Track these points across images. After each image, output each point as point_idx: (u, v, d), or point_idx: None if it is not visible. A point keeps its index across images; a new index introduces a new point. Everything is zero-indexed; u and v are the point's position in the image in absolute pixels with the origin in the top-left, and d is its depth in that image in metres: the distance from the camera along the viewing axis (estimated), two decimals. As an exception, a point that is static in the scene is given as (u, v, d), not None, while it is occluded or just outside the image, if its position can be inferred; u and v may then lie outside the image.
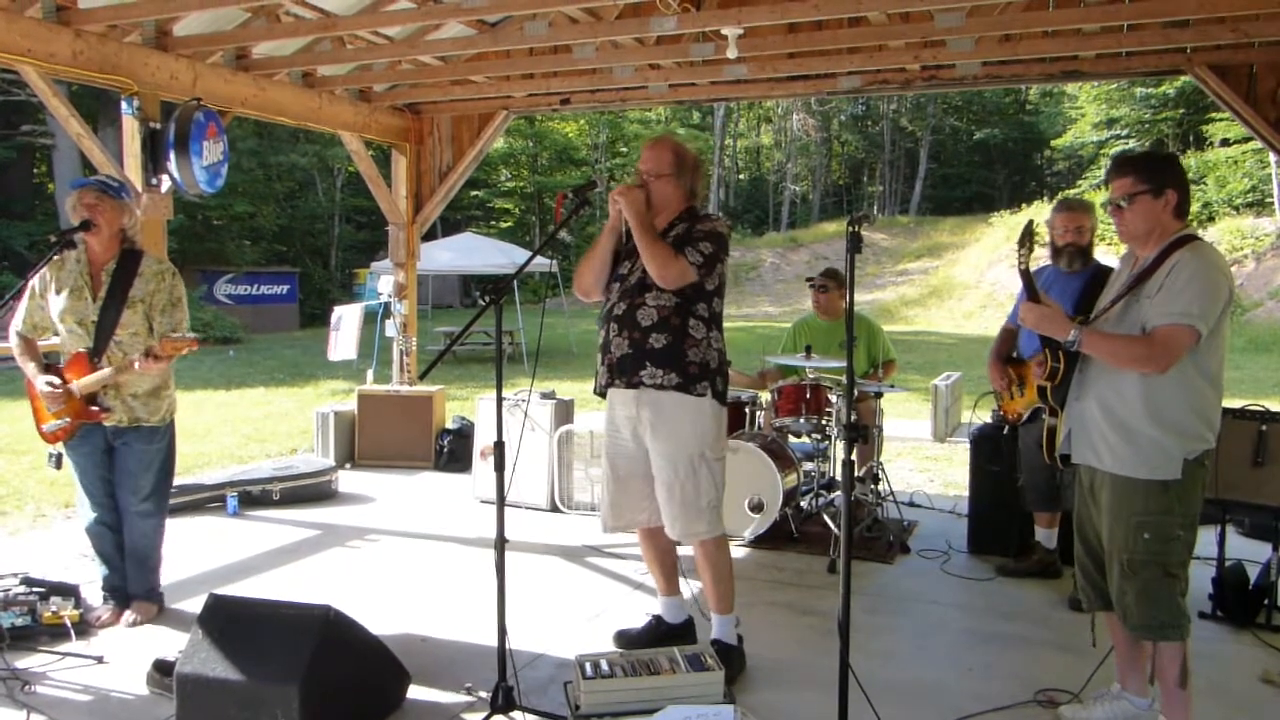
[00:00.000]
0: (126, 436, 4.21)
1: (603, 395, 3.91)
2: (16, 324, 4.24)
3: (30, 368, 4.20)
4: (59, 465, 4.23)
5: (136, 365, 4.01)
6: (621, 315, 3.74)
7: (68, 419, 4.14)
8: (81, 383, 4.07)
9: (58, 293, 4.17)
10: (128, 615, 4.32)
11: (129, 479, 4.25)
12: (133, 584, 4.39)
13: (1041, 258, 4.73)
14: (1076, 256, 4.65)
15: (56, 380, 4.09)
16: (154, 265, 4.24)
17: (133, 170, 5.86)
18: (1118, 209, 3.11)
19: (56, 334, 4.26)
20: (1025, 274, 3.27)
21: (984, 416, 5.70)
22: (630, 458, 3.84)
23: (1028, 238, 3.25)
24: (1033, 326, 3.23)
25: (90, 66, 5.55)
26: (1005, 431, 5.00)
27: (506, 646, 3.28)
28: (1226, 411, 4.37)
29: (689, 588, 4.14)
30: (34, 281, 4.18)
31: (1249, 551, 5.08)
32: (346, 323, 9.41)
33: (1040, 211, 29.00)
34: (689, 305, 3.67)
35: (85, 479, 4.26)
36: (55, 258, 4.13)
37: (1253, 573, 4.58)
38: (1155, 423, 2.99)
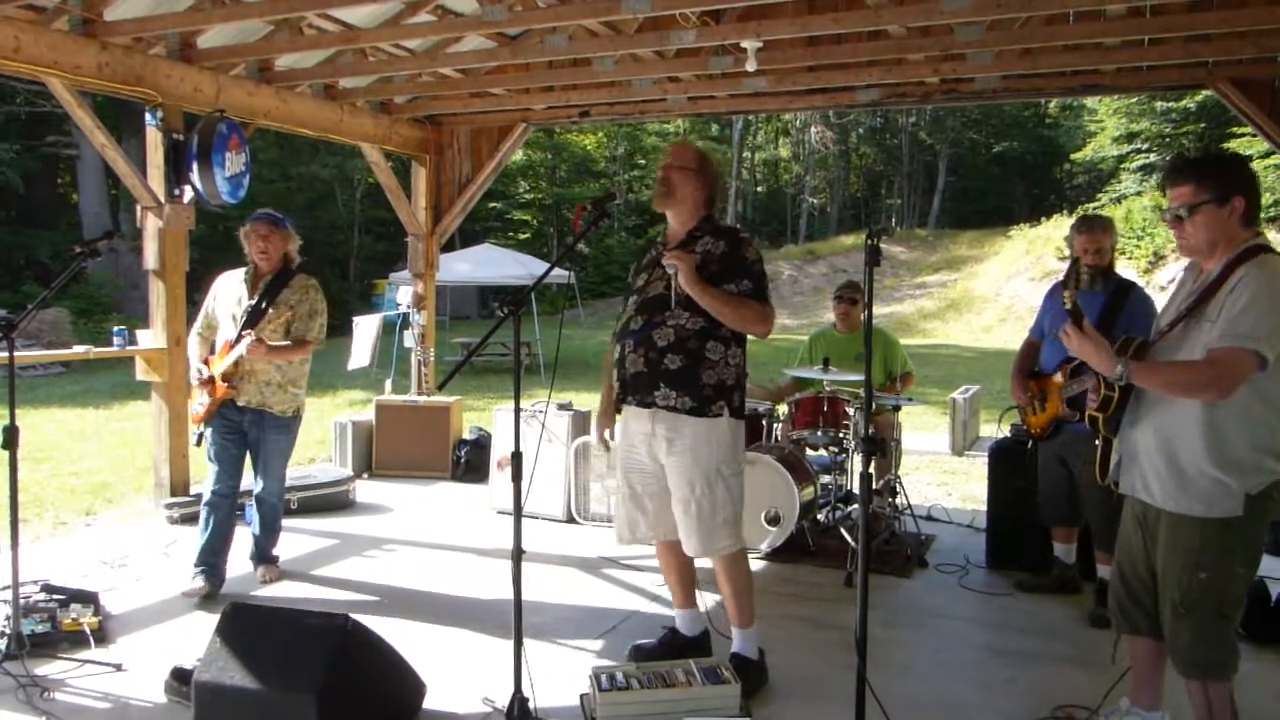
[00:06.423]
0: (261, 425, 4.85)
1: (617, 410, 3.90)
2: (197, 325, 5.04)
3: (194, 358, 4.98)
4: (199, 442, 4.96)
5: (244, 343, 4.62)
6: (637, 331, 3.68)
7: (208, 400, 4.81)
8: (219, 365, 4.78)
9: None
10: (260, 572, 5.12)
11: (263, 464, 4.98)
12: (263, 549, 5.20)
13: (1058, 272, 4.71)
14: (1098, 277, 4.57)
15: (203, 367, 4.85)
16: (302, 280, 4.97)
17: (156, 181, 5.93)
18: (1177, 220, 2.82)
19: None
20: (1074, 311, 2.98)
21: (1007, 431, 5.65)
22: (646, 474, 3.81)
23: (1073, 276, 3.08)
24: (1076, 354, 3.01)
25: (115, 78, 5.62)
26: (1030, 446, 4.96)
27: (523, 657, 3.27)
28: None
29: (704, 601, 4.13)
30: (213, 290, 5.01)
31: (1271, 569, 5.02)
32: (362, 332, 9.47)
33: (1059, 224, 28.87)
34: (712, 329, 3.60)
35: (219, 453, 4.91)
36: (79, 270, 4.23)
37: (1274, 590, 4.54)
38: (1215, 462, 2.76)
